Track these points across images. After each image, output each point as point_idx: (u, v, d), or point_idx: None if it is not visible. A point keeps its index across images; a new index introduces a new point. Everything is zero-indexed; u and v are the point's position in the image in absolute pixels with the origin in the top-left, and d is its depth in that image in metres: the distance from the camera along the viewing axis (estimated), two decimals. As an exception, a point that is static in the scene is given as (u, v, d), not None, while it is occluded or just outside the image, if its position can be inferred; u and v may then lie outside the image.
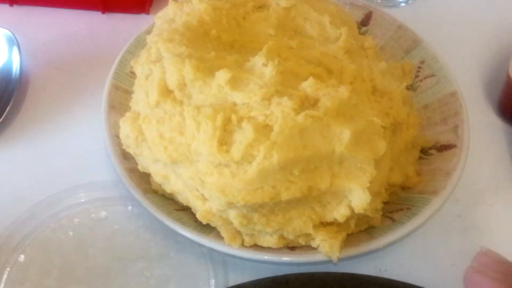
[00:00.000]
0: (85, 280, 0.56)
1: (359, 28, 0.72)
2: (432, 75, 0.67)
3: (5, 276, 0.56)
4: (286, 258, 0.54)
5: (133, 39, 0.67)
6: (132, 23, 0.77)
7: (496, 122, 0.71)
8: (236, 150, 0.50)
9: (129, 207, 0.60)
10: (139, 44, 0.66)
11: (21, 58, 0.70)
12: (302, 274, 0.52)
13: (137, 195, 0.56)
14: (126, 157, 0.59)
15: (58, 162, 0.65)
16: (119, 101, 0.63)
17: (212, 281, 0.56)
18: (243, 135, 0.50)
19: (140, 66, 0.59)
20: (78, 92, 0.71)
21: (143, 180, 0.58)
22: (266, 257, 0.54)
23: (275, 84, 0.52)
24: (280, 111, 0.50)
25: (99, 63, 0.69)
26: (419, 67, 0.69)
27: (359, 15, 0.73)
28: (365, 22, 0.73)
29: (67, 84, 0.72)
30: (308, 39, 0.61)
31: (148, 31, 0.64)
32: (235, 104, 0.52)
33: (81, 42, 0.76)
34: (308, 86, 0.53)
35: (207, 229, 0.55)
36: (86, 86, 0.71)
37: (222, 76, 0.52)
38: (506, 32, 0.79)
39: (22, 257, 0.57)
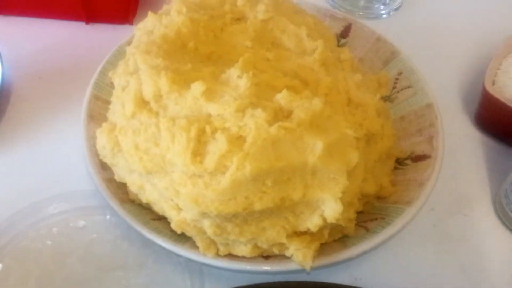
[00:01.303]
0: (63, 289, 0.56)
1: (339, 40, 0.73)
2: (409, 87, 0.68)
3: (-17, 285, 0.56)
4: (260, 267, 0.54)
5: (114, 49, 0.68)
6: (115, 34, 0.78)
7: (473, 133, 0.72)
8: (210, 161, 0.50)
9: (108, 217, 0.61)
10: (120, 55, 0.67)
11: (3, 67, 0.70)
12: (275, 283, 0.53)
13: (114, 205, 0.56)
14: (104, 167, 0.59)
15: (38, 172, 0.65)
16: (99, 112, 0.64)
17: (189, 290, 0.57)
18: (217, 146, 0.51)
19: (117, 77, 0.60)
20: (59, 102, 0.71)
21: (121, 190, 0.59)
22: (240, 266, 0.54)
23: (249, 96, 0.53)
24: (254, 123, 0.51)
25: (81, 73, 0.70)
26: (397, 79, 0.69)
27: (338, 28, 0.74)
28: (344, 34, 0.74)
29: (49, 94, 0.72)
30: (285, 51, 0.62)
31: (129, 42, 0.65)
32: (209, 116, 0.52)
33: (64, 52, 0.77)
34: (282, 98, 0.53)
35: (183, 238, 0.55)
36: (68, 96, 0.71)
37: (197, 88, 0.53)
38: (483, 45, 0.80)
39: (0, 266, 0.57)
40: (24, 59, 0.75)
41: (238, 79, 0.54)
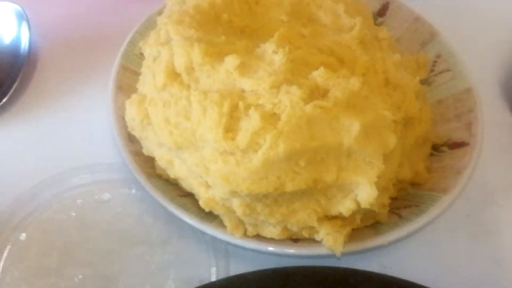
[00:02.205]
0: (85, 262, 0.55)
1: (375, 19, 0.70)
2: (448, 70, 0.66)
3: (5, 254, 0.56)
4: (288, 250, 0.53)
5: (144, 19, 0.66)
6: (144, 3, 0.75)
7: (511, 121, 0.69)
8: (242, 138, 0.49)
9: (133, 190, 0.60)
10: (150, 25, 0.65)
11: (30, 34, 0.69)
12: (304, 267, 0.51)
13: (141, 179, 0.55)
14: (131, 140, 0.58)
15: (63, 141, 0.64)
16: (127, 82, 0.62)
17: (213, 269, 0.56)
18: (250, 123, 0.49)
19: (148, 48, 0.58)
20: (86, 71, 0.70)
21: (148, 164, 0.57)
22: (268, 248, 0.53)
23: (285, 72, 0.51)
24: (289, 100, 0.49)
25: (110, 42, 0.68)
26: (435, 61, 0.67)
27: (376, 6, 0.71)
28: (381, 12, 0.71)
29: (76, 62, 0.71)
30: (321, 28, 0.60)
31: (160, 12, 0.63)
32: (243, 91, 0.51)
33: (92, 21, 0.75)
34: (319, 75, 0.51)
35: (210, 216, 0.54)
36: (95, 65, 0.70)
37: (230, 61, 0.51)
38: (526, 28, 0.77)
39: (23, 236, 0.57)
40: (51, 26, 0.74)
41: (273, 54, 0.52)
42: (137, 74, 0.62)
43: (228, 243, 0.55)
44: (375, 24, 0.69)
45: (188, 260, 0.56)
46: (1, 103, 0.65)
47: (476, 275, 0.57)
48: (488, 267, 0.58)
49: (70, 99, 0.68)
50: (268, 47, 0.53)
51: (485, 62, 0.74)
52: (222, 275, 0.55)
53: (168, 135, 0.52)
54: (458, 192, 0.56)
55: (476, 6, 0.81)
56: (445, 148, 0.61)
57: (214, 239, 0.56)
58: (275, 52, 0.52)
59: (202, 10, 0.57)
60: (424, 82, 0.66)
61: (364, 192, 0.50)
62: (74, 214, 0.58)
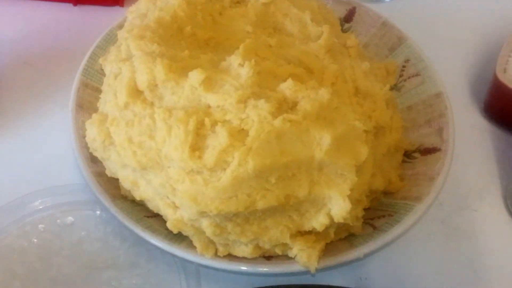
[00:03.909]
0: (49, 290, 0.53)
1: (342, 25, 0.69)
2: (417, 75, 0.65)
3: (-37, 285, 0.53)
4: (261, 268, 0.51)
5: (104, 33, 0.64)
6: (105, 16, 0.74)
7: (482, 124, 0.69)
8: (209, 156, 0.47)
9: (97, 212, 0.58)
10: (111, 39, 0.63)
11: (-15, 51, 0.66)
12: (277, 287, 0.50)
13: (105, 200, 0.53)
14: (94, 160, 0.56)
15: (23, 164, 0.62)
16: (88, 100, 0.60)
17: (184, 291, 0.54)
18: (217, 140, 0.48)
19: (109, 64, 0.56)
20: (46, 89, 0.68)
21: (112, 184, 0.55)
22: (240, 267, 0.51)
23: (252, 86, 0.49)
24: (256, 115, 0.48)
25: (70, 58, 0.66)
26: (404, 66, 0.66)
27: (342, 11, 0.71)
28: (348, 18, 0.70)
29: (35, 80, 0.69)
30: (288, 37, 0.59)
31: (121, 26, 0.62)
32: (209, 107, 0.50)
33: (51, 36, 0.73)
34: (287, 88, 0.50)
35: (179, 237, 0.52)
36: (55, 82, 0.68)
37: (195, 76, 0.50)
38: (493, 31, 0.77)
39: (-18, 265, 0.54)
40: (8, 42, 0.71)
41: (239, 67, 0.51)
42: (98, 90, 0.60)
43: (199, 264, 0.53)
44: (342, 30, 0.68)
45: (158, 283, 0.54)
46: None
47: (453, 281, 0.57)
48: (465, 273, 0.57)
49: (30, 119, 0.65)
50: (234, 60, 0.52)
51: (453, 65, 0.74)
52: (194, 298, 0.53)
53: (131, 155, 0.50)
54: (432, 200, 0.55)
55: (443, 9, 0.81)
56: (417, 155, 0.61)
57: (184, 260, 0.54)
58: (241, 65, 0.51)
59: (164, 24, 0.55)
60: (393, 87, 0.65)
61: (337, 205, 0.49)
62: (35, 240, 0.56)
